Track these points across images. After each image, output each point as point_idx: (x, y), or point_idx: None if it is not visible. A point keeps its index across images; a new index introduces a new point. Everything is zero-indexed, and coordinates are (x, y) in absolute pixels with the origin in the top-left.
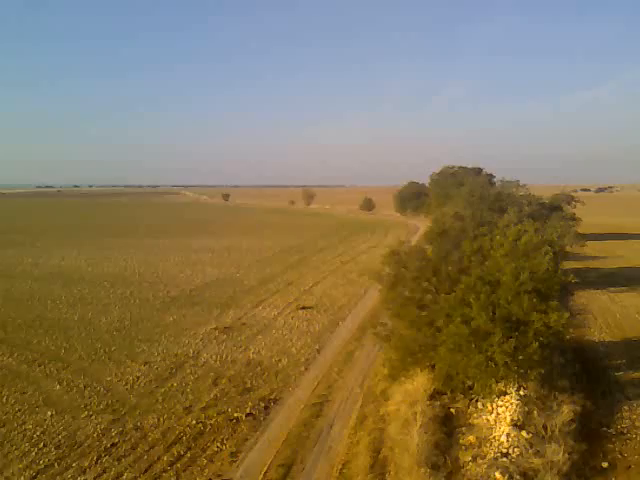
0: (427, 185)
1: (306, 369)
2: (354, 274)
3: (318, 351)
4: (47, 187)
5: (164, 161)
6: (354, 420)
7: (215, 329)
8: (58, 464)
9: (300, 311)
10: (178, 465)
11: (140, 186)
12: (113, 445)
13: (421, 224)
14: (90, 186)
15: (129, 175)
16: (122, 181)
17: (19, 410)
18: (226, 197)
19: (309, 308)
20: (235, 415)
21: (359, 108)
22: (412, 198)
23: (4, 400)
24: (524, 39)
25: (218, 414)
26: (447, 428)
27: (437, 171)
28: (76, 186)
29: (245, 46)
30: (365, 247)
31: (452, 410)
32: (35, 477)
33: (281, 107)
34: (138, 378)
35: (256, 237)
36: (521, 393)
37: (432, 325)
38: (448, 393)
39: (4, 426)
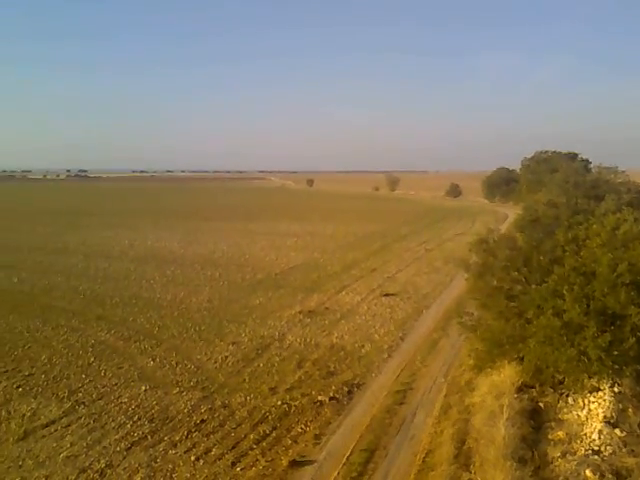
0: (518, 171)
1: (389, 356)
2: (439, 262)
3: (402, 339)
4: (142, 172)
5: (250, 147)
6: (438, 410)
7: (299, 312)
8: (151, 437)
9: (383, 298)
10: (264, 444)
11: (228, 171)
12: (202, 421)
13: (510, 212)
14: (182, 171)
15: (216, 161)
16: (210, 166)
17: (116, 384)
18: (310, 182)
19: (393, 295)
20: (319, 398)
21: (444, 90)
22: (501, 184)
23: (102, 374)
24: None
25: (302, 396)
26: (535, 422)
27: (529, 156)
28: (169, 171)
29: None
30: (451, 234)
31: (540, 404)
32: (130, 448)
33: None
34: (226, 357)
35: (339, 223)
36: (615, 390)
37: (521, 316)
38: (537, 387)
39: (102, 399)
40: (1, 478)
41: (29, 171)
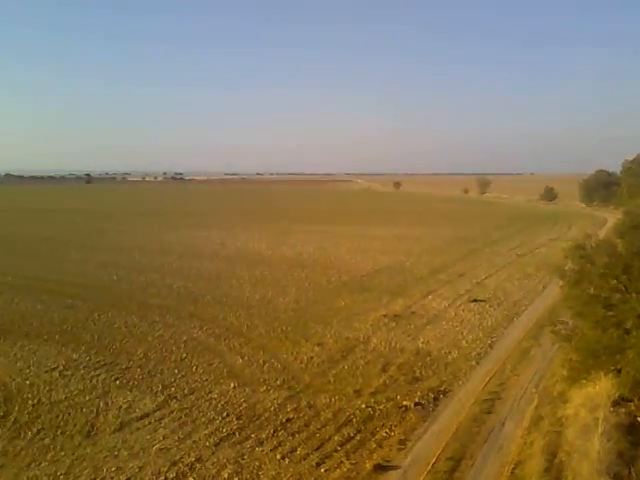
0: (618, 174)
1: (477, 363)
2: (532, 268)
3: (490, 346)
4: (233, 174)
5: (338, 149)
6: (528, 420)
7: (385, 316)
8: (239, 433)
9: (472, 304)
10: (348, 446)
11: (315, 174)
12: (288, 420)
13: (610, 216)
14: (272, 174)
15: (305, 162)
16: (299, 169)
17: (206, 380)
18: (397, 185)
19: (481, 301)
20: (404, 403)
21: (541, 89)
22: (600, 188)
23: (194, 370)
24: None
25: (387, 400)
26: (632, 437)
27: (631, 159)
28: (259, 174)
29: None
30: (545, 239)
31: (639, 419)
32: (218, 444)
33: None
34: (312, 358)
35: (427, 226)
36: None
37: (620, 326)
38: (635, 400)
39: (193, 394)
40: (98, 467)
41: (129, 173)
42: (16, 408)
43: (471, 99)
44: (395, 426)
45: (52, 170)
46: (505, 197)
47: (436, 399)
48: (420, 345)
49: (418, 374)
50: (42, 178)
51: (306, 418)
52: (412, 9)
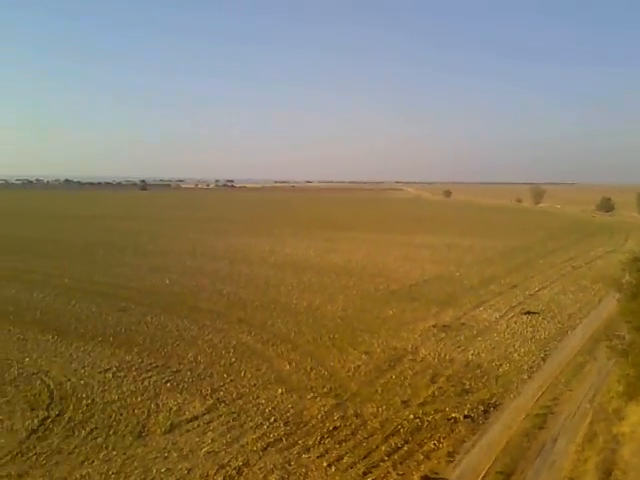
0: None
1: (529, 377)
2: (587, 280)
3: (543, 359)
4: (283, 182)
5: (387, 157)
6: (582, 437)
7: (434, 326)
8: (286, 439)
9: (524, 316)
10: (395, 457)
11: (365, 182)
12: (335, 428)
13: None
14: (320, 182)
15: (354, 171)
16: (348, 177)
17: (254, 385)
18: (448, 194)
19: (534, 313)
20: (453, 415)
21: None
22: None
23: (242, 374)
24: None
25: (435, 412)
26: None
27: None
28: (308, 182)
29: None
30: (601, 251)
31: None
32: (265, 449)
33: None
34: (359, 367)
35: (479, 236)
36: None
37: None
38: None
39: (241, 398)
40: (148, 468)
41: (182, 180)
42: (71, 407)
43: (524, 108)
44: (443, 438)
45: (109, 177)
46: (559, 207)
47: (486, 412)
48: (470, 357)
49: (468, 386)
50: (99, 184)
51: (353, 427)
52: None
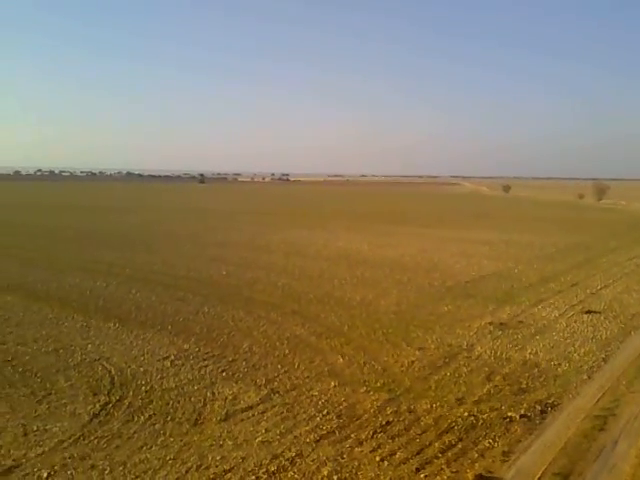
0: None
1: (589, 377)
2: None
3: (604, 360)
4: (337, 176)
5: (442, 151)
6: None
7: (490, 324)
8: (338, 432)
9: (585, 315)
10: (449, 454)
11: (420, 176)
12: (388, 423)
13: None
14: (375, 175)
15: (410, 164)
16: (402, 171)
17: (307, 377)
18: (506, 189)
19: (596, 313)
20: (509, 414)
21: None
22: None
23: (296, 366)
24: None
25: (491, 410)
26: None
27: None
28: (363, 175)
29: None
30: None
31: None
32: (318, 441)
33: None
34: (413, 362)
35: (538, 232)
36: None
37: None
38: None
39: (294, 389)
40: (204, 455)
41: (239, 174)
42: (131, 393)
43: (588, 104)
44: (499, 437)
45: (169, 170)
46: (624, 204)
47: (543, 412)
48: (527, 355)
49: (524, 385)
50: (159, 177)
51: (406, 422)
52: None
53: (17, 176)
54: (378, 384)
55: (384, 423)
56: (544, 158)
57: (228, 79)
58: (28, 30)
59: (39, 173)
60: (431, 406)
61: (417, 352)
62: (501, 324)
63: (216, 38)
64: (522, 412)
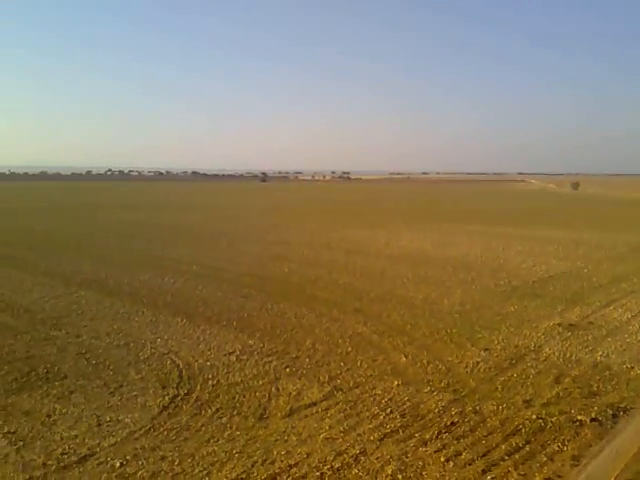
0: None
1: None
2: None
3: None
4: (398, 174)
5: (508, 149)
6: None
7: (558, 325)
8: (402, 431)
9: None
10: (516, 456)
11: (484, 173)
12: (452, 424)
13: None
14: (437, 173)
15: (474, 161)
16: (465, 168)
17: (370, 375)
18: (575, 186)
19: None
20: (578, 418)
21: None
22: None
23: (358, 364)
24: None
25: (560, 413)
26: None
27: None
28: (424, 173)
29: None
30: None
31: None
32: (382, 439)
33: None
34: (478, 363)
35: (610, 231)
36: None
37: None
38: None
39: (357, 387)
40: (269, 450)
41: (300, 172)
42: (198, 387)
43: None
44: (568, 441)
45: (232, 170)
46: None
47: (615, 416)
48: (598, 358)
49: (595, 388)
50: (223, 176)
51: (471, 423)
52: None
53: (89, 176)
54: (442, 384)
55: (449, 423)
56: (615, 154)
57: (291, 83)
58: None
59: (109, 173)
60: (497, 408)
61: (482, 353)
62: (570, 325)
63: (283, 25)
64: (593, 416)
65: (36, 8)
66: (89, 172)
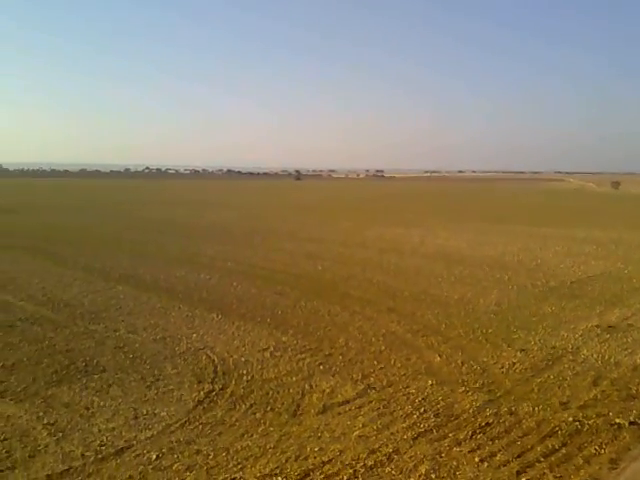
0: None
1: None
2: None
3: None
4: (433, 172)
5: (544, 146)
6: None
7: (597, 326)
8: (436, 431)
9: None
10: (552, 459)
11: (521, 172)
12: (487, 424)
13: None
14: (473, 171)
15: (506, 160)
16: (501, 166)
17: (404, 374)
18: (616, 185)
19: None
20: (617, 421)
21: None
22: None
23: (392, 363)
24: None
25: (597, 416)
26: None
27: None
28: (460, 171)
29: None
30: None
31: None
32: (416, 439)
33: None
34: (514, 364)
35: None
36: None
37: None
38: None
39: (391, 386)
40: (302, 446)
41: (334, 170)
42: (233, 382)
43: None
44: (606, 444)
45: (267, 167)
46: None
47: None
48: (638, 360)
49: (634, 391)
50: (257, 174)
51: (507, 424)
52: None
53: (127, 173)
54: (477, 384)
55: (483, 424)
56: None
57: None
58: None
59: (147, 171)
60: (533, 409)
61: (518, 353)
62: (609, 327)
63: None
64: (631, 419)
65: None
66: (127, 170)
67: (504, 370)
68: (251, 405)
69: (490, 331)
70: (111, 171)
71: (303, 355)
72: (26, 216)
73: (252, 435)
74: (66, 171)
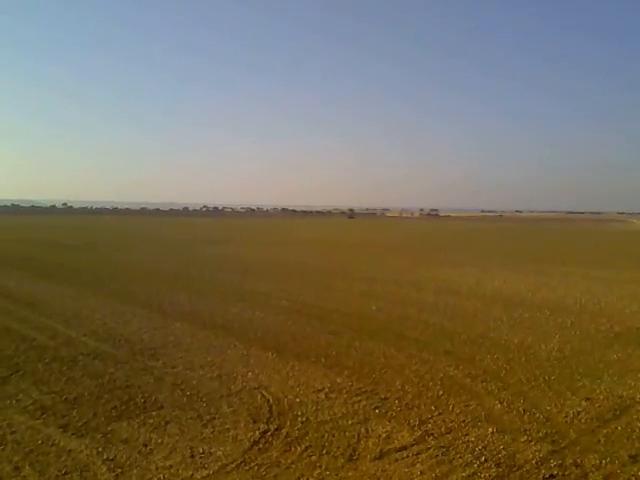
0: None
1: None
2: None
3: None
4: (490, 212)
5: (602, 185)
6: None
7: None
8: None
9: None
10: None
11: (581, 212)
12: (552, 476)
13: None
14: (531, 211)
15: (564, 200)
16: (560, 206)
17: (463, 421)
18: None
19: None
20: None
21: None
22: None
23: (450, 409)
24: None
25: None
26: None
27: None
28: (517, 211)
29: None
30: None
31: None
32: None
33: None
34: (578, 413)
35: None
36: None
37: None
38: None
39: (449, 433)
40: None
41: (387, 209)
42: (288, 423)
43: None
44: None
45: (320, 205)
46: None
47: None
48: None
49: None
50: (311, 212)
51: (572, 477)
52: None
53: (186, 212)
54: (540, 434)
55: (547, 476)
56: None
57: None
58: None
59: (204, 209)
60: (600, 462)
61: (583, 402)
62: None
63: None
64: None
65: (154, 25)
66: (186, 208)
67: (568, 419)
68: (306, 447)
69: (553, 378)
70: (170, 209)
71: (358, 398)
72: (90, 252)
73: (308, 478)
74: (127, 209)
